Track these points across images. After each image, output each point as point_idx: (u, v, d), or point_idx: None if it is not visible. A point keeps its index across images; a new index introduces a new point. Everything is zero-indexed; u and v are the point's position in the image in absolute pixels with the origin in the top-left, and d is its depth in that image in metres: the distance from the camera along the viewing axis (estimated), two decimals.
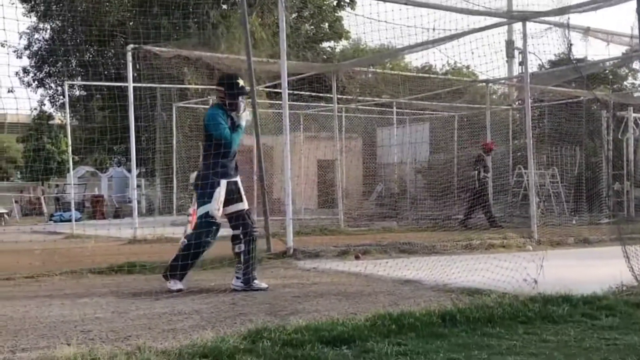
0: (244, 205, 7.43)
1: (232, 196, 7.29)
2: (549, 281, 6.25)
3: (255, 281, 7.28)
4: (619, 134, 19.87)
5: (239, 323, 5.28)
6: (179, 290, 7.00)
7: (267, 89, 22.79)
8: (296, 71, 17.27)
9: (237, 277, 7.28)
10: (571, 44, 9.25)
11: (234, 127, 7.33)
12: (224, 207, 7.23)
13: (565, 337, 4.70)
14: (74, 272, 8.64)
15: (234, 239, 7.33)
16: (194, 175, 7.53)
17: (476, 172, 17.15)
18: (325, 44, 39.20)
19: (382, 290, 7.01)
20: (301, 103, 22.29)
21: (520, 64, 26.00)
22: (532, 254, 8.15)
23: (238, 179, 7.42)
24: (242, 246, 7.26)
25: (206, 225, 7.13)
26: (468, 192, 17.85)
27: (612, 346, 4.43)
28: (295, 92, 19.97)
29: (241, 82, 7.50)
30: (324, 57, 35.65)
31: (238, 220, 7.33)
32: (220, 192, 7.13)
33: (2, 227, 21.15)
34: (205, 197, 7.16)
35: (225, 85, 7.46)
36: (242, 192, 7.43)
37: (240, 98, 7.40)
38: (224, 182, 7.17)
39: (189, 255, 7.14)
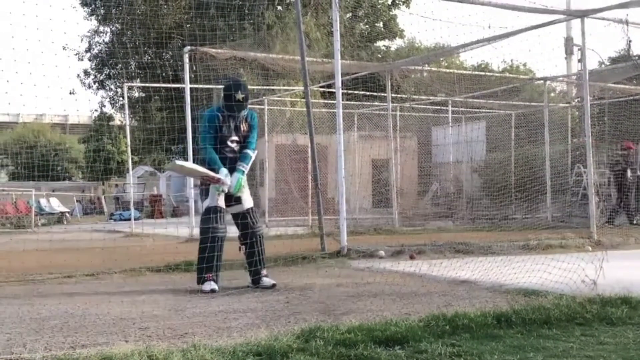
0: (247, 204, 7.52)
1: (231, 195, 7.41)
2: (608, 283, 6.11)
3: (263, 278, 7.40)
4: None
5: (293, 322, 5.32)
6: (213, 291, 7.00)
7: (322, 89, 22.86)
8: (350, 71, 17.27)
9: (265, 275, 7.49)
10: (630, 41, 9.03)
11: (235, 129, 7.42)
12: (226, 206, 7.39)
13: (623, 339, 4.59)
14: (132, 270, 8.84)
15: (239, 238, 7.52)
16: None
17: (627, 169, 16.96)
18: (379, 43, 39.10)
19: (436, 291, 6.96)
20: (355, 102, 22.28)
21: (579, 61, 25.46)
22: (591, 255, 7.97)
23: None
24: (243, 247, 7.45)
25: (207, 220, 7.27)
26: (616, 189, 17.60)
27: None
28: (349, 91, 19.99)
29: (240, 96, 7.36)
30: (379, 56, 35.56)
31: (237, 219, 7.53)
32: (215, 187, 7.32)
33: (64, 226, 21.73)
34: (203, 194, 7.46)
35: (224, 95, 7.55)
36: (245, 191, 7.50)
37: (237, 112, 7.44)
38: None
39: (205, 252, 7.19)
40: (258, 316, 5.65)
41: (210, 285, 7.09)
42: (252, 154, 7.52)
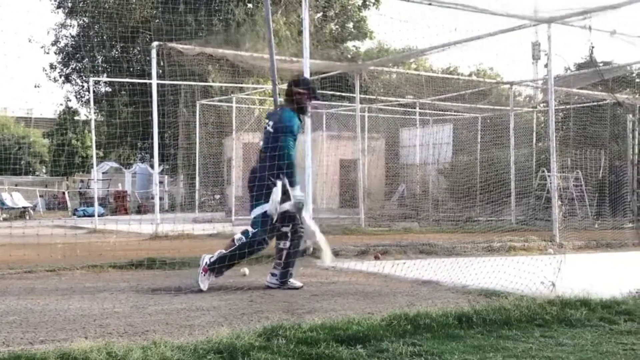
0: (289, 206, 7.32)
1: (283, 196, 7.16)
2: (569, 285, 6.20)
3: (292, 280, 7.28)
4: None
5: (256, 320, 5.30)
6: (200, 291, 6.92)
7: None
8: (319, 70, 17.27)
9: (273, 275, 7.27)
10: (593, 47, 9.17)
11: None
12: None
13: (582, 341, 4.66)
14: (94, 267, 8.74)
15: (281, 236, 7.27)
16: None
17: None
18: (349, 44, 39.22)
19: (400, 291, 7.00)
20: (324, 102, 22.31)
21: (545, 66, 25.81)
22: (553, 258, 8.09)
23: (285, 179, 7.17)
24: (288, 243, 7.25)
25: (268, 222, 7.03)
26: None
27: (629, 351, 4.38)
28: (318, 91, 19.97)
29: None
30: (349, 56, 35.65)
31: (286, 218, 7.23)
32: (277, 193, 7.02)
33: (25, 221, 21.39)
34: (262, 198, 7.09)
35: (310, 88, 7.44)
36: (290, 193, 7.19)
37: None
38: (279, 183, 7.05)
39: (242, 254, 7.07)
40: (221, 314, 5.62)
41: (204, 284, 6.93)
42: None
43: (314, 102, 7.57)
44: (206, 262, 7.05)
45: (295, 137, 7.13)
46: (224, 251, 7.13)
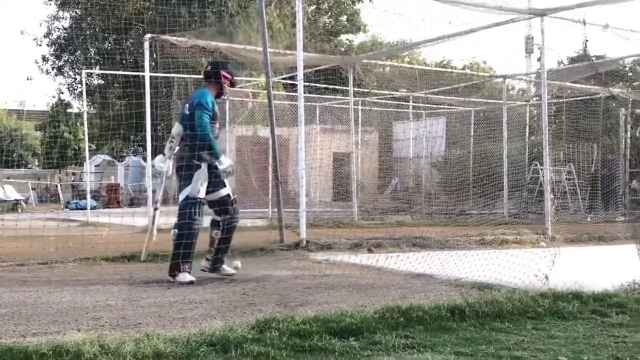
0: (227, 191, 7.48)
1: (214, 180, 7.34)
2: (561, 278, 6.22)
3: (224, 266, 7.45)
4: (637, 131, 19.67)
5: (249, 313, 5.31)
6: (191, 283, 6.97)
7: (284, 81, 22.80)
8: (313, 63, 17.24)
9: (208, 260, 7.46)
10: (587, 41, 9.19)
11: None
12: (207, 193, 7.31)
13: (574, 333, 4.68)
14: (87, 259, 8.74)
15: (213, 224, 7.46)
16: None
17: None
18: (343, 37, 39.17)
19: (393, 284, 7.01)
20: (317, 95, 22.27)
21: (539, 59, 25.81)
22: (545, 251, 8.11)
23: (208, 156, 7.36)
24: (219, 233, 7.41)
25: (190, 206, 7.16)
26: None
27: (620, 344, 4.40)
28: (312, 84, 19.97)
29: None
30: (342, 49, 35.61)
31: (220, 205, 7.43)
32: (200, 175, 7.21)
33: (18, 214, 21.31)
34: (183, 179, 7.24)
35: (232, 74, 7.71)
36: (219, 167, 7.38)
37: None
38: (204, 166, 7.24)
39: (185, 243, 7.09)
40: (214, 307, 5.62)
41: (186, 277, 7.01)
42: None
43: (232, 88, 7.84)
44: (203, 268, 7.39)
45: (210, 113, 7.22)
46: (213, 248, 7.42)
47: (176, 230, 7.18)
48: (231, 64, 8.29)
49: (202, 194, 7.24)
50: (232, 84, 7.75)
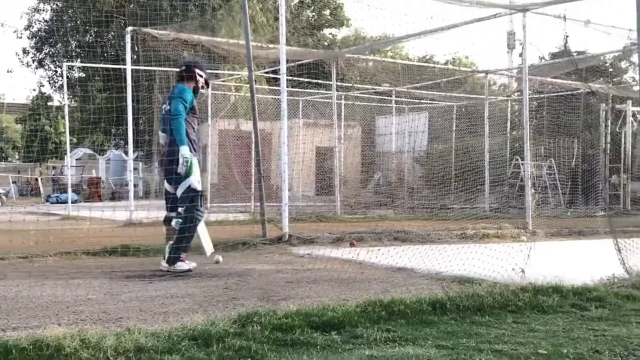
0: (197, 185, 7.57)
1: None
2: (541, 272, 6.27)
3: (179, 263, 7.37)
4: (616, 127, 19.86)
5: (231, 307, 5.30)
6: (189, 271, 7.22)
7: (267, 75, 22.75)
8: (296, 57, 17.22)
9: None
10: (567, 36, 9.25)
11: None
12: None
13: (553, 327, 4.72)
14: (67, 254, 8.67)
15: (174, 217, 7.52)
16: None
17: None
18: (326, 31, 39.14)
19: (374, 278, 7.03)
20: (300, 89, 22.25)
21: (520, 55, 25.94)
22: (526, 245, 8.17)
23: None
24: (180, 225, 7.42)
25: (192, 198, 7.36)
26: None
27: (600, 337, 4.44)
28: (295, 78, 19.95)
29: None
30: (325, 44, 35.59)
31: (183, 199, 7.49)
32: (197, 166, 7.45)
33: None
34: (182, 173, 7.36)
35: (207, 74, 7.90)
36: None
37: None
38: (195, 160, 7.45)
39: (188, 235, 7.31)
40: (195, 301, 5.61)
41: (183, 265, 7.28)
42: None
43: (205, 89, 7.94)
44: (166, 268, 7.31)
45: (186, 103, 7.38)
46: (171, 242, 7.38)
47: (179, 221, 7.33)
48: (202, 62, 8.38)
49: (200, 185, 7.45)
50: (207, 83, 7.93)
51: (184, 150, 7.22)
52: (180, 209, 7.40)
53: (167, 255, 7.37)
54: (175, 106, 7.27)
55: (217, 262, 8.00)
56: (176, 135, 7.25)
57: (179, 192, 7.39)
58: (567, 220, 15.34)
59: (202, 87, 7.77)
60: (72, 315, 4.98)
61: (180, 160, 7.19)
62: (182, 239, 7.30)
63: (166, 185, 7.60)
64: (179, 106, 7.28)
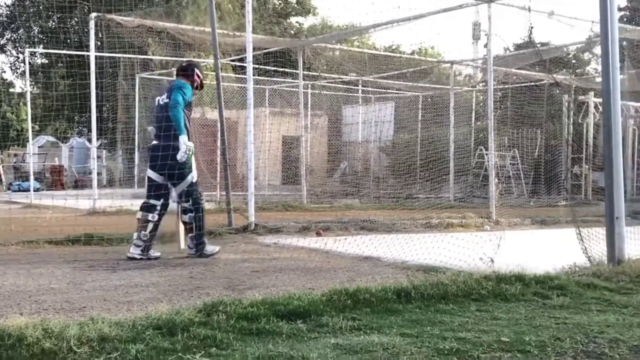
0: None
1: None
2: (504, 260, 6.35)
3: (152, 251, 7.62)
4: (579, 118, 20.16)
5: (196, 296, 5.28)
6: (190, 256, 7.65)
7: (233, 63, 22.61)
8: (262, 45, 17.13)
9: (137, 246, 7.56)
10: (532, 27, 9.34)
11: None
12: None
13: (516, 315, 4.78)
14: (29, 242, 8.55)
15: (149, 208, 7.69)
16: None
17: None
18: (293, 19, 39.00)
19: (340, 267, 7.06)
20: (267, 78, 22.16)
21: (486, 45, 26.15)
22: (490, 234, 8.27)
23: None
24: (156, 216, 7.66)
25: (196, 191, 7.79)
26: None
27: (561, 325, 4.51)
28: (261, 66, 19.85)
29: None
30: (292, 32, 35.45)
31: (160, 193, 7.77)
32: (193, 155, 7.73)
33: None
34: (187, 167, 7.66)
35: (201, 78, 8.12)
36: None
37: None
38: (193, 158, 7.79)
39: (203, 222, 7.78)
40: (160, 291, 5.58)
41: (210, 248, 7.75)
42: None
43: (198, 90, 8.27)
44: (194, 253, 7.72)
45: (185, 98, 7.61)
46: (191, 234, 7.74)
47: (192, 214, 7.72)
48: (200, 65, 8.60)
49: (196, 175, 7.82)
50: (202, 85, 8.19)
51: (185, 139, 7.42)
52: (186, 204, 7.72)
53: (191, 250, 7.75)
54: (175, 96, 7.49)
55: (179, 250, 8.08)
56: (175, 123, 7.43)
57: (184, 187, 7.69)
58: (530, 209, 15.54)
59: (197, 88, 8.05)
60: (35, 304, 4.91)
61: (183, 148, 7.40)
62: (199, 227, 7.71)
63: (149, 173, 7.77)
64: (179, 97, 7.49)
